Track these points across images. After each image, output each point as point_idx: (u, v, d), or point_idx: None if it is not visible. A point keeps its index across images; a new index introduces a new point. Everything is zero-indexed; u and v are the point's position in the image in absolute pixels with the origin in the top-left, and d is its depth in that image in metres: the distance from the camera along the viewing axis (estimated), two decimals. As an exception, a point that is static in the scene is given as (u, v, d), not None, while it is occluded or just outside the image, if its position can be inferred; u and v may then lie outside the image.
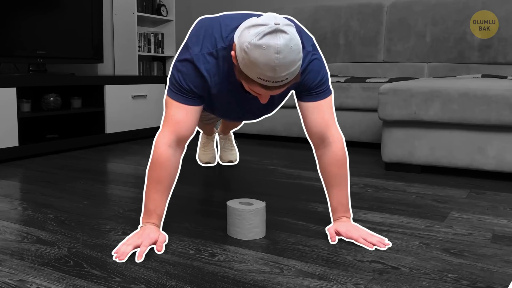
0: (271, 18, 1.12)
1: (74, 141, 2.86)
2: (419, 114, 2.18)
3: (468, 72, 3.11)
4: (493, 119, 2.04)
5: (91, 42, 3.21)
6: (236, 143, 2.59)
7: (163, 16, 3.84)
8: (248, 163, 2.50)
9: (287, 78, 1.16)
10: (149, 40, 3.79)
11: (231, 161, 2.48)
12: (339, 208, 1.42)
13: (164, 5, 3.86)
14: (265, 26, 1.11)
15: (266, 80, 1.14)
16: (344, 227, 1.37)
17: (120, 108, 3.15)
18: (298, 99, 1.42)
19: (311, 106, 1.39)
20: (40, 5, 2.86)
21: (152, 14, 3.78)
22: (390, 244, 1.33)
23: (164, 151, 1.32)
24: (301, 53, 1.16)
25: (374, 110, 2.90)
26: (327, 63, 3.71)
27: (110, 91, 3.06)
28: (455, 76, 2.87)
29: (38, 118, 3.07)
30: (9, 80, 2.47)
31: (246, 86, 1.23)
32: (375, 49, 3.38)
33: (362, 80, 2.96)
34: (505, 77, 2.70)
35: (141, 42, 3.73)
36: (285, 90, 1.44)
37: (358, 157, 2.68)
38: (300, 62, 1.17)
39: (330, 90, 1.41)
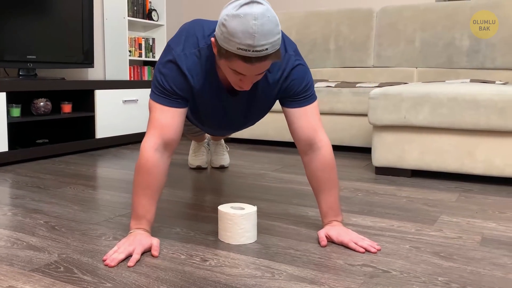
0: None
1: (65, 146, 2.84)
2: (409, 118, 2.20)
3: (457, 77, 3.14)
4: (482, 124, 2.07)
5: (82, 46, 3.20)
6: (227, 148, 2.59)
7: (154, 20, 3.84)
8: (240, 167, 2.50)
9: (267, 49, 1.15)
10: (140, 45, 3.78)
11: (223, 166, 2.48)
12: (329, 213, 1.42)
13: (155, 10, 3.86)
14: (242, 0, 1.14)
15: (246, 50, 1.14)
16: (335, 231, 1.37)
17: (111, 113, 3.14)
18: (283, 106, 1.43)
19: (297, 112, 1.40)
20: (30, 9, 2.84)
21: (143, 19, 3.78)
22: (381, 248, 1.34)
23: (151, 156, 1.31)
24: (279, 28, 1.17)
25: (365, 114, 2.92)
26: (317, 68, 3.75)
27: (100, 95, 3.05)
28: (444, 81, 2.90)
29: (28, 123, 3.05)
30: (-1, 84, 2.45)
31: (227, 70, 1.22)
32: (365, 54, 3.41)
33: (352, 85, 2.98)
34: (494, 82, 2.74)
35: (132, 47, 3.72)
36: (269, 98, 1.44)
37: (348, 162, 2.70)
38: (279, 36, 1.17)
39: (315, 96, 1.43)
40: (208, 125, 1.58)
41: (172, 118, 1.33)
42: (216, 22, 1.38)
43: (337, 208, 1.42)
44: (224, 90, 1.39)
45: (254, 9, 1.12)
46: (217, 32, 1.18)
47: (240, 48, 1.14)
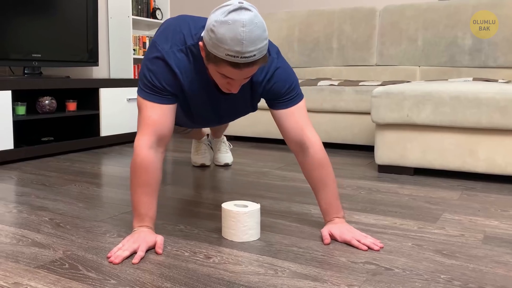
0: (234, 0, 1.16)
1: (69, 144, 2.86)
2: (411, 117, 2.20)
3: (460, 76, 3.14)
4: (484, 122, 2.07)
5: (87, 45, 3.21)
6: (230, 146, 2.60)
7: (158, 19, 3.85)
8: (243, 165, 2.51)
9: (255, 55, 1.16)
10: (144, 43, 3.80)
11: (227, 164, 2.49)
12: (329, 210, 1.43)
13: (159, 9, 3.87)
14: (229, 6, 1.15)
15: (234, 56, 1.15)
16: (338, 230, 1.38)
17: (115, 111, 3.15)
18: (270, 108, 1.44)
19: (283, 113, 1.41)
20: (35, 8, 2.86)
21: (148, 17, 3.79)
22: (384, 246, 1.34)
23: (146, 154, 1.32)
24: (267, 33, 1.18)
25: (367, 113, 2.93)
26: (320, 67, 3.74)
27: (105, 94, 3.06)
28: (447, 80, 2.90)
29: (33, 121, 3.07)
30: (4, 83, 2.47)
31: (216, 74, 1.23)
32: (368, 53, 3.41)
33: (355, 83, 2.99)
34: (496, 81, 2.73)
35: (136, 45, 3.74)
36: (255, 96, 1.46)
37: (351, 160, 2.70)
38: (267, 42, 1.19)
39: (301, 95, 1.43)
40: (198, 121, 1.60)
41: (163, 114, 1.33)
42: (201, 18, 1.39)
43: (337, 204, 1.43)
44: (213, 88, 1.41)
45: (242, 15, 1.13)
46: (206, 37, 1.18)
47: (228, 54, 1.15)
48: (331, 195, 1.42)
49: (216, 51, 1.16)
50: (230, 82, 1.25)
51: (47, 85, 2.70)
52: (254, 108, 1.55)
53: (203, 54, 1.22)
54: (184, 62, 1.32)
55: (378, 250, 1.31)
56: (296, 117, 1.41)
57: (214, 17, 1.16)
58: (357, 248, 1.32)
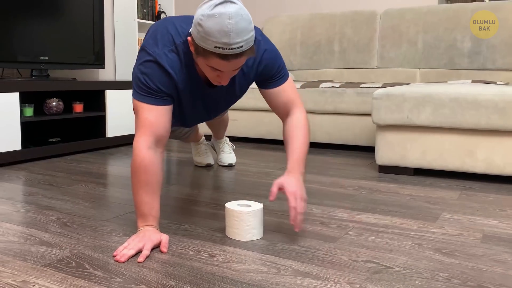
0: None
1: (76, 145, 2.88)
2: (411, 118, 2.23)
3: (459, 78, 3.16)
4: (482, 123, 2.09)
5: (93, 48, 3.25)
6: (233, 146, 2.63)
7: (161, 22, 3.87)
8: (246, 165, 2.53)
9: (242, 46, 1.20)
10: (147, 46, 3.82)
11: (231, 164, 2.51)
12: (295, 160, 1.44)
13: (164, 12, 3.90)
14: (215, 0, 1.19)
15: (222, 48, 1.19)
16: (292, 186, 1.37)
17: (121, 112, 3.18)
18: (262, 88, 1.51)
19: (275, 91, 1.50)
20: (42, 12, 2.89)
21: (153, 21, 3.82)
22: (302, 227, 1.42)
23: (146, 154, 1.33)
24: (252, 25, 1.22)
25: (368, 114, 2.95)
26: (322, 69, 3.77)
27: (111, 95, 3.09)
28: (446, 82, 2.92)
29: (41, 122, 3.10)
30: (12, 85, 2.50)
31: (205, 67, 1.27)
32: (369, 55, 3.43)
33: (356, 85, 3.01)
34: (495, 83, 2.75)
35: (140, 48, 3.76)
36: (247, 83, 1.50)
37: (352, 160, 2.72)
38: (253, 33, 1.22)
39: (288, 73, 1.52)
40: (191, 118, 1.63)
41: (160, 115, 1.36)
42: (185, 16, 1.43)
43: (301, 159, 1.44)
44: (203, 83, 1.44)
45: (228, 8, 1.17)
46: (193, 31, 1.22)
47: (216, 47, 1.19)
48: (296, 150, 1.45)
49: (204, 44, 1.20)
50: (219, 74, 1.28)
51: (54, 87, 2.73)
52: (242, 94, 1.60)
53: (192, 48, 1.26)
54: (176, 61, 1.35)
55: (297, 231, 1.38)
56: (287, 92, 1.50)
57: (201, 11, 1.19)
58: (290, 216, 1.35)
